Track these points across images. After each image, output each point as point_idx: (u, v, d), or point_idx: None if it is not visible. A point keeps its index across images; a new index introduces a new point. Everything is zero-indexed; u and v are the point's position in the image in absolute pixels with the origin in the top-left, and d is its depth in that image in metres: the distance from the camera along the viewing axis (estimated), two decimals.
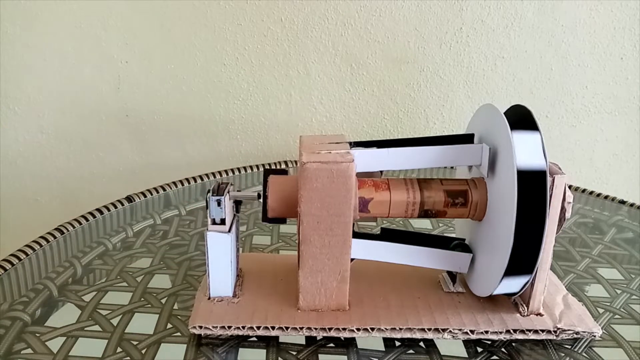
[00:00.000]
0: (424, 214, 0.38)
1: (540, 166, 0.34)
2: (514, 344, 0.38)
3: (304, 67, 0.73)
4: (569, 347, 0.38)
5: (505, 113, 0.37)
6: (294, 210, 0.37)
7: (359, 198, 0.37)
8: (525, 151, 0.34)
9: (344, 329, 0.37)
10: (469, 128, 0.42)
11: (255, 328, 0.37)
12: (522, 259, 0.34)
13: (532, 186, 0.33)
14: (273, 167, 0.70)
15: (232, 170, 0.68)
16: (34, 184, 0.78)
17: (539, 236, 0.34)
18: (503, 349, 0.38)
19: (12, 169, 0.77)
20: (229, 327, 0.37)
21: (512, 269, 0.35)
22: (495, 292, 0.37)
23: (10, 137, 0.75)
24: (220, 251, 0.38)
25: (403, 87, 0.74)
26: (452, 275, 0.42)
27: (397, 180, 0.38)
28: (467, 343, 0.38)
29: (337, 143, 0.38)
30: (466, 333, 0.37)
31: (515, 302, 0.40)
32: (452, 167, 0.69)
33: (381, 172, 0.40)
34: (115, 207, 0.57)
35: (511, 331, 0.37)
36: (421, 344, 0.38)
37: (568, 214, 0.36)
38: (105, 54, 0.72)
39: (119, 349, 0.36)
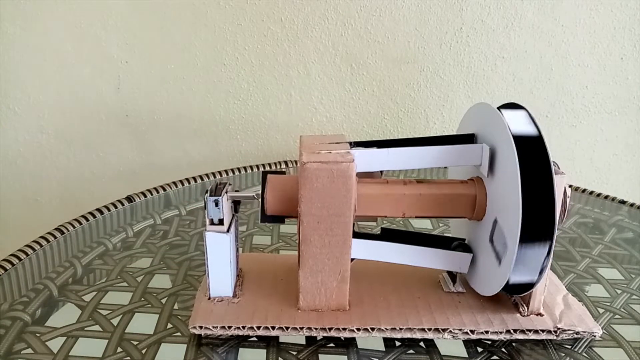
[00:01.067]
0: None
1: (533, 132, 0.35)
2: (514, 344, 0.38)
3: (304, 67, 0.73)
4: (569, 347, 0.38)
5: (499, 109, 0.37)
6: (293, 209, 0.37)
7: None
8: (517, 122, 0.35)
9: (344, 329, 0.37)
10: (460, 128, 0.42)
11: (255, 328, 0.37)
12: (526, 258, 0.34)
13: (537, 189, 0.33)
14: (273, 167, 0.71)
15: (232, 170, 0.68)
16: (34, 184, 0.78)
17: (548, 234, 0.34)
18: (503, 349, 0.38)
19: (12, 169, 0.77)
20: (229, 327, 0.37)
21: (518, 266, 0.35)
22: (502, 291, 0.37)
23: (10, 137, 0.75)
24: (220, 251, 0.38)
25: (403, 87, 0.74)
26: (452, 275, 0.42)
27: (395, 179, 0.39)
28: (467, 343, 0.38)
29: (337, 143, 0.38)
30: (466, 333, 0.37)
31: (516, 302, 0.40)
32: (445, 167, 0.69)
33: (381, 172, 0.40)
34: (116, 207, 0.57)
35: (511, 331, 0.37)
36: (421, 344, 0.38)
37: (568, 202, 0.36)
38: (105, 54, 0.72)
39: (119, 349, 0.36)
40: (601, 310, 0.43)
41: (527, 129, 0.35)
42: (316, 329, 0.37)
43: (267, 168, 0.70)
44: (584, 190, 0.67)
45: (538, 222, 0.33)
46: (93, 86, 0.73)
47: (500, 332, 0.37)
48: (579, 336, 0.38)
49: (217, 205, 0.37)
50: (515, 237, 0.33)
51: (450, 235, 0.46)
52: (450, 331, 0.37)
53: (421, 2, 0.70)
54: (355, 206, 0.37)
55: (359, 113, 0.76)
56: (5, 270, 0.45)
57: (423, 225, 0.57)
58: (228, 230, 0.38)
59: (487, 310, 0.39)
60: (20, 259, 0.46)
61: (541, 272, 0.35)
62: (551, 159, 0.34)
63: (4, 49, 0.70)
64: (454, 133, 0.42)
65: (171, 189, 0.63)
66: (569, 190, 0.36)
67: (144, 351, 0.36)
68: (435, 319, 0.38)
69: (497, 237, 0.36)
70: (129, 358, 0.36)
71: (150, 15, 0.70)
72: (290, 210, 0.38)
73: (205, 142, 0.77)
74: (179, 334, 0.38)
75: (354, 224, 0.37)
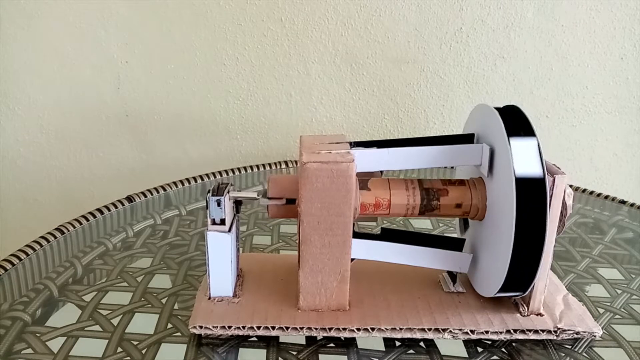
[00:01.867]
0: (426, 193, 0.38)
1: (537, 174, 0.34)
2: (514, 344, 0.38)
3: (304, 67, 0.73)
4: (569, 347, 0.38)
5: (500, 112, 0.37)
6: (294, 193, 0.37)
7: (358, 180, 0.37)
8: (523, 159, 0.34)
9: (344, 329, 0.37)
10: (465, 128, 0.42)
11: (255, 328, 0.37)
12: (524, 260, 0.34)
13: (531, 193, 0.33)
14: (273, 167, 0.71)
15: (232, 170, 0.68)
16: (34, 184, 0.78)
17: (540, 237, 0.34)
18: (503, 349, 0.38)
19: (12, 169, 0.77)
20: (229, 327, 0.37)
21: (514, 271, 0.35)
22: (500, 294, 0.37)
23: (10, 137, 0.75)
24: (220, 251, 0.38)
25: (403, 87, 0.74)
26: (452, 275, 0.42)
27: (397, 179, 0.39)
28: (468, 343, 0.38)
29: (337, 143, 0.38)
30: (466, 333, 0.37)
31: (516, 302, 0.40)
32: (452, 167, 0.69)
33: (381, 172, 0.40)
34: (116, 207, 0.57)
35: (511, 331, 0.37)
36: (421, 344, 0.38)
37: (570, 210, 0.36)
38: (105, 54, 0.72)
39: (119, 349, 0.36)
40: (601, 310, 0.43)
41: (533, 171, 0.34)
42: (316, 329, 0.37)
43: (267, 168, 0.70)
44: (584, 190, 0.67)
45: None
46: (93, 86, 0.73)
47: (500, 332, 0.37)
48: (579, 336, 0.38)
49: (219, 205, 0.37)
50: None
51: (449, 235, 0.46)
52: (450, 331, 0.37)
53: (421, 2, 0.70)
54: (355, 210, 0.37)
55: (359, 113, 0.76)
56: (6, 270, 0.45)
57: (423, 225, 0.57)
58: (229, 230, 0.38)
59: (487, 310, 0.39)
60: (20, 259, 0.46)
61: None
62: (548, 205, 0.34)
63: (4, 49, 0.70)
64: (455, 133, 0.41)
65: (171, 189, 0.63)
66: (569, 194, 0.36)
67: (144, 351, 0.36)
68: (435, 319, 0.38)
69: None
70: (129, 358, 0.36)
71: (150, 15, 0.70)
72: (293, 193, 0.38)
73: (205, 142, 0.77)
74: (179, 334, 0.38)
75: (354, 224, 0.37)
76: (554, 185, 0.35)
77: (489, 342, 0.38)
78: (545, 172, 0.34)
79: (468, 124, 0.42)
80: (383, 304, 0.40)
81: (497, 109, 0.37)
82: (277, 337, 0.38)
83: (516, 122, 0.36)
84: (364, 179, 0.38)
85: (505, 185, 0.35)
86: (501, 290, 0.36)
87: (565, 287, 0.44)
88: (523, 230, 0.34)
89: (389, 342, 0.38)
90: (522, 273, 0.35)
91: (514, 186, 0.33)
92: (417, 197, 0.38)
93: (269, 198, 0.38)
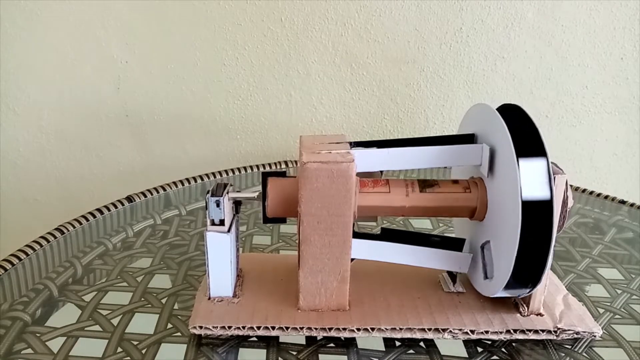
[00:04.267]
0: (424, 182, 0.38)
1: (545, 197, 0.33)
2: (514, 344, 0.38)
3: (304, 67, 0.73)
4: (569, 347, 0.38)
5: (499, 111, 0.37)
6: (294, 210, 0.37)
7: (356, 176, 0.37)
8: (531, 182, 0.33)
9: (344, 329, 0.37)
10: (461, 128, 0.42)
11: (255, 328, 0.37)
12: (528, 261, 0.34)
13: (537, 216, 0.33)
14: (273, 167, 0.70)
15: (232, 170, 0.68)
16: (34, 184, 0.78)
17: (546, 239, 0.34)
18: (503, 349, 0.38)
19: (12, 169, 0.77)
20: (229, 327, 0.37)
21: (518, 273, 0.35)
22: (502, 294, 0.37)
23: (10, 137, 0.75)
24: (220, 251, 0.38)
25: (403, 87, 0.74)
26: (452, 275, 0.42)
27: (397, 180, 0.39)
28: (467, 343, 0.38)
29: (337, 143, 0.38)
30: (466, 333, 0.37)
31: (516, 302, 0.40)
32: (449, 168, 0.69)
33: (381, 172, 0.40)
34: (116, 207, 0.57)
35: (511, 331, 0.37)
36: (421, 344, 0.38)
37: (570, 204, 0.36)
38: (105, 54, 0.72)
39: (119, 349, 0.36)
40: (601, 310, 0.43)
41: (540, 194, 0.34)
42: (316, 329, 0.37)
43: (267, 168, 0.70)
44: (584, 190, 0.67)
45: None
46: (93, 86, 0.73)
47: (500, 332, 0.37)
48: (579, 336, 0.38)
49: (218, 205, 0.37)
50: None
51: (449, 235, 0.46)
52: (450, 331, 0.37)
53: (421, 2, 0.70)
54: (355, 212, 0.37)
55: (359, 113, 0.76)
56: (5, 270, 0.45)
57: (423, 225, 0.57)
58: (229, 231, 0.38)
59: (487, 310, 0.39)
60: (20, 259, 0.46)
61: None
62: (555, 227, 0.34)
63: (4, 49, 0.70)
64: (454, 133, 0.41)
65: (171, 189, 0.63)
66: (570, 195, 0.36)
67: (144, 351, 0.36)
68: (435, 319, 0.38)
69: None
70: (129, 358, 0.36)
71: (150, 15, 0.70)
72: (291, 212, 0.38)
73: (205, 142, 0.77)
74: (179, 334, 0.38)
75: (354, 224, 0.37)
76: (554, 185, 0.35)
77: (489, 342, 0.38)
78: (553, 195, 0.34)
79: (464, 123, 0.42)
80: (383, 304, 0.40)
81: (497, 109, 0.37)
82: (277, 337, 0.38)
83: (518, 120, 0.36)
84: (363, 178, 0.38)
85: (505, 185, 0.35)
86: (504, 290, 0.36)
87: (565, 287, 0.44)
88: (528, 231, 0.34)
89: (389, 342, 0.38)
90: (525, 273, 0.35)
91: (520, 214, 0.33)
92: (415, 185, 0.38)
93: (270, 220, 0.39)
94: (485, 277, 0.38)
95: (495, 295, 0.37)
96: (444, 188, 0.38)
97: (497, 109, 0.37)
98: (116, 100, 0.74)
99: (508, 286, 0.36)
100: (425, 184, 0.38)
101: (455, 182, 0.39)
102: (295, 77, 0.74)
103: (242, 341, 0.37)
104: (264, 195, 0.38)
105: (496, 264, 0.36)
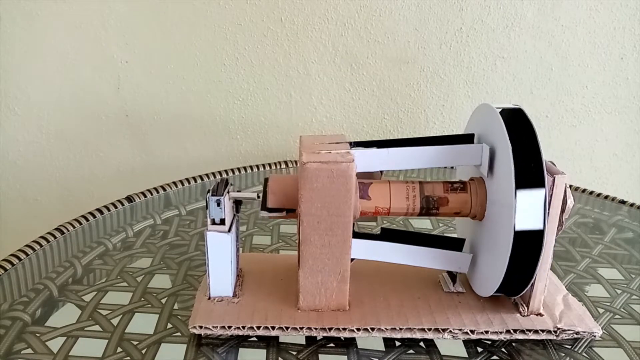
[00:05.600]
0: (426, 202, 0.38)
1: (537, 227, 0.34)
2: (514, 344, 0.38)
3: (304, 67, 0.73)
4: (569, 347, 0.38)
5: (502, 113, 0.37)
6: (294, 202, 0.37)
7: (358, 183, 0.37)
8: (525, 213, 0.34)
9: (344, 329, 0.37)
10: (467, 128, 0.42)
11: (255, 328, 0.37)
12: (523, 259, 0.34)
13: (527, 245, 0.34)
14: (273, 167, 0.70)
15: (232, 170, 0.68)
16: (34, 184, 0.78)
17: (538, 239, 0.34)
18: (503, 349, 0.38)
19: (12, 169, 0.77)
20: (229, 327, 0.37)
21: (513, 269, 0.35)
22: (497, 292, 0.37)
23: (10, 137, 0.75)
24: (220, 251, 0.38)
25: (403, 87, 0.74)
26: (452, 275, 0.42)
27: (397, 181, 0.39)
28: (467, 343, 0.38)
29: (337, 143, 0.38)
30: (466, 333, 0.37)
31: (516, 302, 0.40)
32: (452, 167, 0.69)
33: (381, 172, 0.40)
34: (115, 207, 0.57)
35: (511, 331, 0.37)
36: (421, 344, 0.38)
37: (566, 215, 0.36)
38: (105, 54, 0.72)
39: (119, 349, 0.36)
40: (601, 310, 0.43)
41: (533, 224, 0.34)
42: (316, 329, 0.37)
43: (267, 168, 0.70)
44: (584, 190, 0.67)
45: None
46: (93, 86, 0.73)
47: (500, 332, 0.37)
48: (579, 336, 0.38)
49: (219, 205, 0.37)
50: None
51: (449, 235, 0.46)
52: (450, 331, 0.37)
53: (421, 2, 0.70)
54: (355, 214, 0.37)
55: (359, 113, 0.76)
56: (5, 270, 0.45)
57: (423, 225, 0.57)
58: (229, 230, 0.38)
59: (487, 310, 0.39)
60: (20, 259, 0.46)
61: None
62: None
63: (4, 49, 0.70)
64: (454, 133, 0.41)
65: (171, 189, 0.63)
66: (570, 195, 0.36)
67: (144, 351, 0.36)
68: (435, 319, 0.38)
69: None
70: (129, 358, 0.36)
71: (150, 15, 0.70)
72: (292, 203, 0.38)
73: (205, 142, 0.77)
74: (179, 334, 0.38)
75: (354, 224, 0.37)
76: (553, 185, 0.35)
77: (489, 342, 0.38)
78: (546, 224, 0.34)
79: (470, 123, 0.42)
80: (383, 304, 0.40)
81: (500, 110, 0.37)
82: (277, 337, 0.38)
83: (518, 124, 0.36)
84: (365, 186, 0.38)
85: (505, 185, 0.35)
86: (498, 290, 0.36)
87: (565, 287, 0.44)
88: (522, 233, 0.34)
89: (388, 342, 0.38)
90: (519, 274, 0.35)
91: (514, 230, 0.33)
92: (416, 206, 0.38)
93: (269, 209, 0.38)
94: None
95: (490, 295, 0.37)
96: (442, 216, 0.39)
97: (500, 111, 0.37)
98: (116, 100, 0.74)
99: (501, 287, 0.36)
100: (425, 213, 0.38)
101: (457, 213, 0.38)
102: (295, 77, 0.74)
103: (242, 341, 0.37)
104: (264, 191, 0.38)
105: (492, 262, 0.36)
